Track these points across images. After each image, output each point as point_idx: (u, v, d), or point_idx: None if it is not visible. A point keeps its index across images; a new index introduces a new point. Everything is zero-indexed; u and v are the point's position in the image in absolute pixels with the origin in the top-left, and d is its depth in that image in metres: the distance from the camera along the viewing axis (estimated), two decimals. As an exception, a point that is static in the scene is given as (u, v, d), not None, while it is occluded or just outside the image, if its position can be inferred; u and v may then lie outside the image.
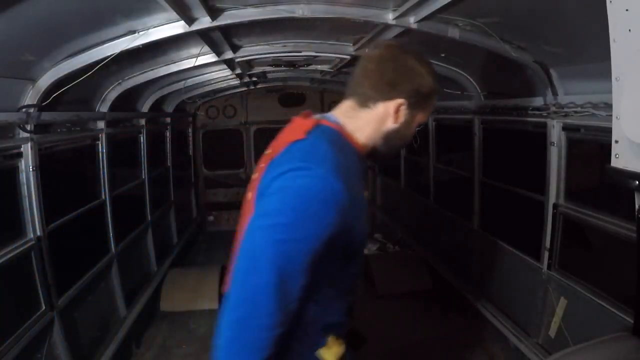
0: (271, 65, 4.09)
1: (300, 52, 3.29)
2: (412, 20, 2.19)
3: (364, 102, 1.15)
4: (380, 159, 1.27)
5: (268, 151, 1.13)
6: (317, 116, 1.18)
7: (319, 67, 4.19)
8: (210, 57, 3.12)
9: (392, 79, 1.12)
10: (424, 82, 1.14)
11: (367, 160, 1.23)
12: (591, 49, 1.96)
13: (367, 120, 1.15)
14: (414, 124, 1.20)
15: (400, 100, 1.13)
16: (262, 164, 1.10)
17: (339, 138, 1.12)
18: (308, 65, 4.02)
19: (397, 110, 1.14)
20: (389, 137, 1.17)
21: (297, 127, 1.10)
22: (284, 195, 0.94)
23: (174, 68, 3.20)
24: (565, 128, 2.56)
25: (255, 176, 1.12)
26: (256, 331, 0.92)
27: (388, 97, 1.13)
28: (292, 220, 0.91)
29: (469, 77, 3.20)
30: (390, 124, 1.15)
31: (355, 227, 1.05)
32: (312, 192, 0.93)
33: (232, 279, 0.96)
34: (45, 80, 2.26)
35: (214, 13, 2.11)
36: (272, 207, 0.94)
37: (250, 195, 1.08)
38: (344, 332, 1.20)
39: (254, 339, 0.92)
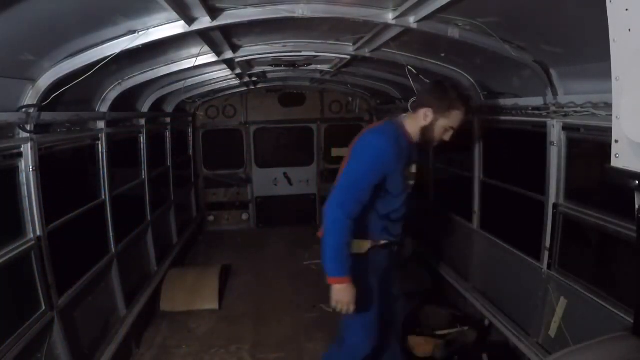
0: (271, 65, 4.09)
1: (300, 52, 3.29)
2: (412, 20, 2.19)
3: (414, 109, 2.22)
4: (421, 144, 2.25)
5: None
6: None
7: (319, 67, 4.19)
8: (210, 57, 3.12)
9: (425, 98, 2.21)
10: (443, 100, 2.13)
11: (416, 144, 2.24)
12: (591, 49, 1.95)
13: (413, 119, 2.20)
14: (437, 125, 2.15)
15: (427, 109, 2.14)
16: None
17: (398, 127, 2.20)
18: (308, 65, 4.01)
19: (425, 115, 2.14)
20: (422, 131, 2.18)
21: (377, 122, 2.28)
22: (362, 147, 2.12)
23: (174, 68, 3.20)
24: (565, 128, 2.55)
25: None
26: (350, 205, 2.05)
27: (422, 107, 2.16)
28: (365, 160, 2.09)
29: (469, 77, 3.20)
30: (422, 123, 2.16)
31: (390, 177, 2.12)
32: (374, 145, 2.10)
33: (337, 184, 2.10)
34: (45, 80, 2.26)
35: (213, 13, 2.11)
36: (358, 153, 2.11)
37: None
38: (377, 240, 2.31)
39: (351, 209, 2.05)
